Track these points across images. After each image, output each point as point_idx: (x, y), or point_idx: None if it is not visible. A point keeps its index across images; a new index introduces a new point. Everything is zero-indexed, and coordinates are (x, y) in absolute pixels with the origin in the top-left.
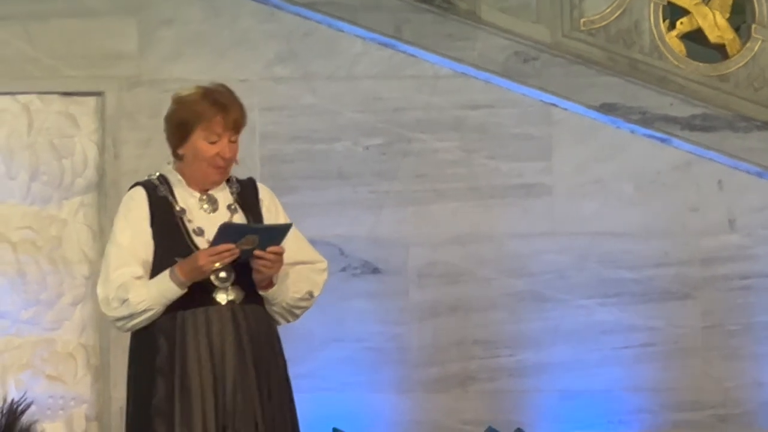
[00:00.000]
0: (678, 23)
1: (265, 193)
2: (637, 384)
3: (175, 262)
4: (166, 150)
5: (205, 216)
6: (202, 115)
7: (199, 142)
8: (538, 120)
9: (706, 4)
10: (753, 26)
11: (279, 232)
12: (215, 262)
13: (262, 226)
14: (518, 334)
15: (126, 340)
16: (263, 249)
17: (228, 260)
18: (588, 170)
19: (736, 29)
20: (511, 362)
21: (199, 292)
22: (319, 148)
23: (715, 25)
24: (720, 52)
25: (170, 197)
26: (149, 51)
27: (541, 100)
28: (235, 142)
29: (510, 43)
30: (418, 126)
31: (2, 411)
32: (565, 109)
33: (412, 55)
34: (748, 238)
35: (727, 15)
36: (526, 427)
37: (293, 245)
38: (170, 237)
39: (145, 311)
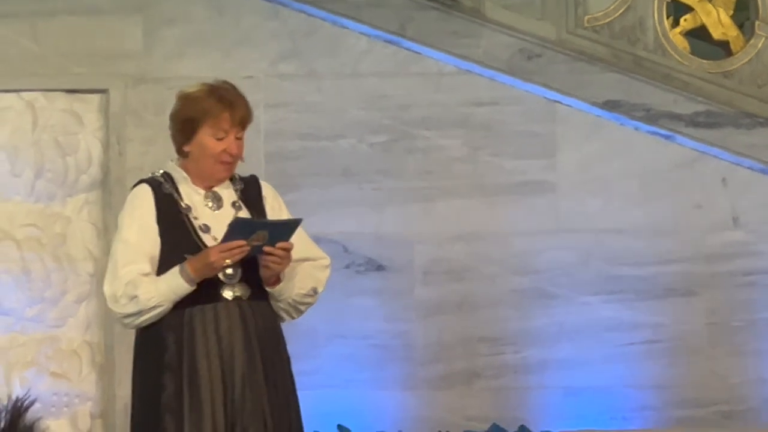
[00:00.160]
0: (682, 20)
1: (268, 191)
2: (641, 381)
3: (183, 259)
4: (171, 147)
5: (210, 213)
6: (209, 112)
7: (206, 138)
8: (543, 117)
9: (710, 1)
10: (757, 23)
11: (289, 227)
12: (226, 258)
13: (273, 221)
14: (523, 331)
15: (131, 337)
16: (272, 245)
17: (239, 257)
18: (592, 167)
19: (740, 26)
20: (516, 359)
21: (206, 289)
22: (323, 145)
23: (719, 22)
24: (724, 48)
25: (175, 194)
26: (154, 49)
27: (546, 97)
28: (241, 138)
29: (514, 41)
30: (423, 123)
31: (7, 408)
32: (570, 106)
33: (417, 53)
34: (753, 234)
35: (731, 12)
36: (531, 423)
37: (297, 242)
38: (177, 234)
39: (154, 308)
